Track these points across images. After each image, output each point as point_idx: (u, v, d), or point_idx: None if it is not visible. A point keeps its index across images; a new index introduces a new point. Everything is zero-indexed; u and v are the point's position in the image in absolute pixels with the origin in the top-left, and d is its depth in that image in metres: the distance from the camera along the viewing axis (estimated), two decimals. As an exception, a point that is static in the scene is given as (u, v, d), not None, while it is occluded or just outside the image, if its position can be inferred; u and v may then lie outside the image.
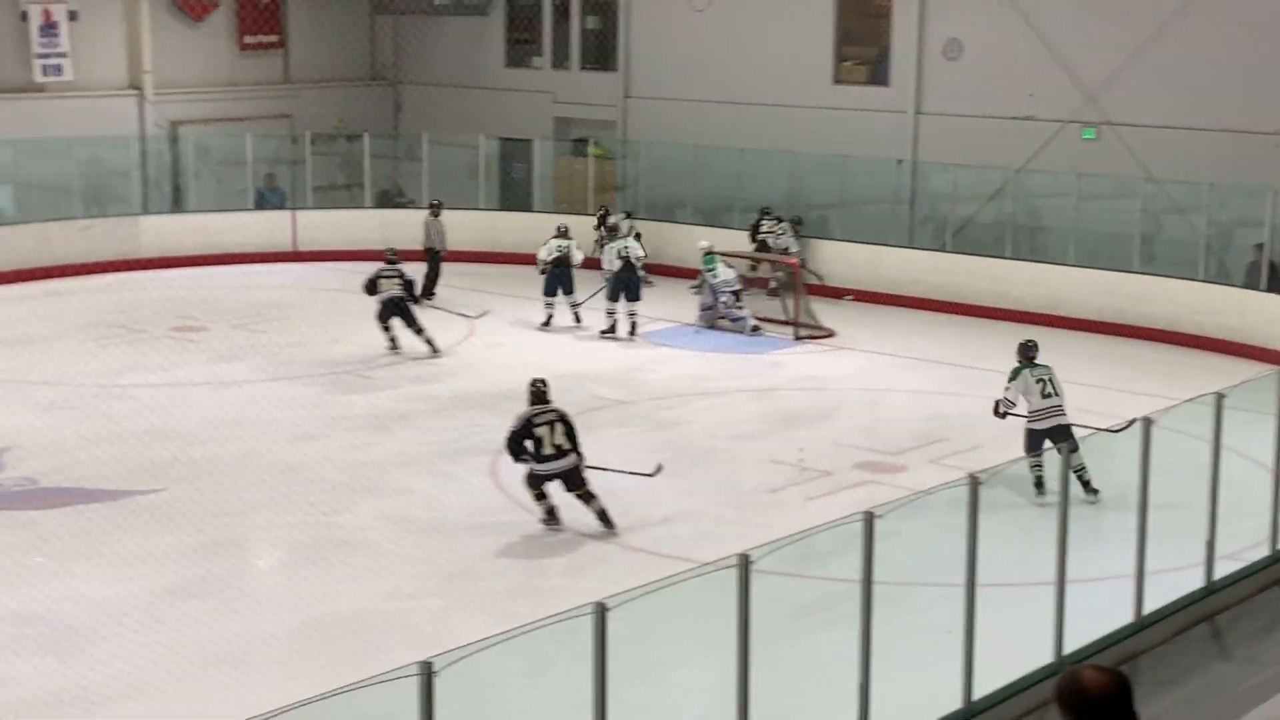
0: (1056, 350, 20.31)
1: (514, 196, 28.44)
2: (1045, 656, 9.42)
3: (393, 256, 19.93)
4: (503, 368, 18.72)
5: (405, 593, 11.81)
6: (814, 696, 9.73)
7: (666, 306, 22.10)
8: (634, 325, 20.74)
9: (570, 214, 24.98)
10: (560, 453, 12.89)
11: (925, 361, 19.61)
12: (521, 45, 29.78)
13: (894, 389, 18.44)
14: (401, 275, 19.45)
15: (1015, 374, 14.18)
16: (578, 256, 21.38)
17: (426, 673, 6.41)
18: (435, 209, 23.81)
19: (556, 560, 12.63)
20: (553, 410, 13.06)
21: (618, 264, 20.77)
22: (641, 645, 8.56)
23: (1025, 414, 14.03)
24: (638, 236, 22.12)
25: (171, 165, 27.53)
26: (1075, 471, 12.81)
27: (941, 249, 23.65)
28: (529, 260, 25.25)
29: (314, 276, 24.93)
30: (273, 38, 29.36)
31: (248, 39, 28.97)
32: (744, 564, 7.74)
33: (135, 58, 27.25)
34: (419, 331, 19.38)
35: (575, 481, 13.02)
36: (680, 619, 9.53)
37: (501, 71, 29.79)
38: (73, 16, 25.99)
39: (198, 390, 17.53)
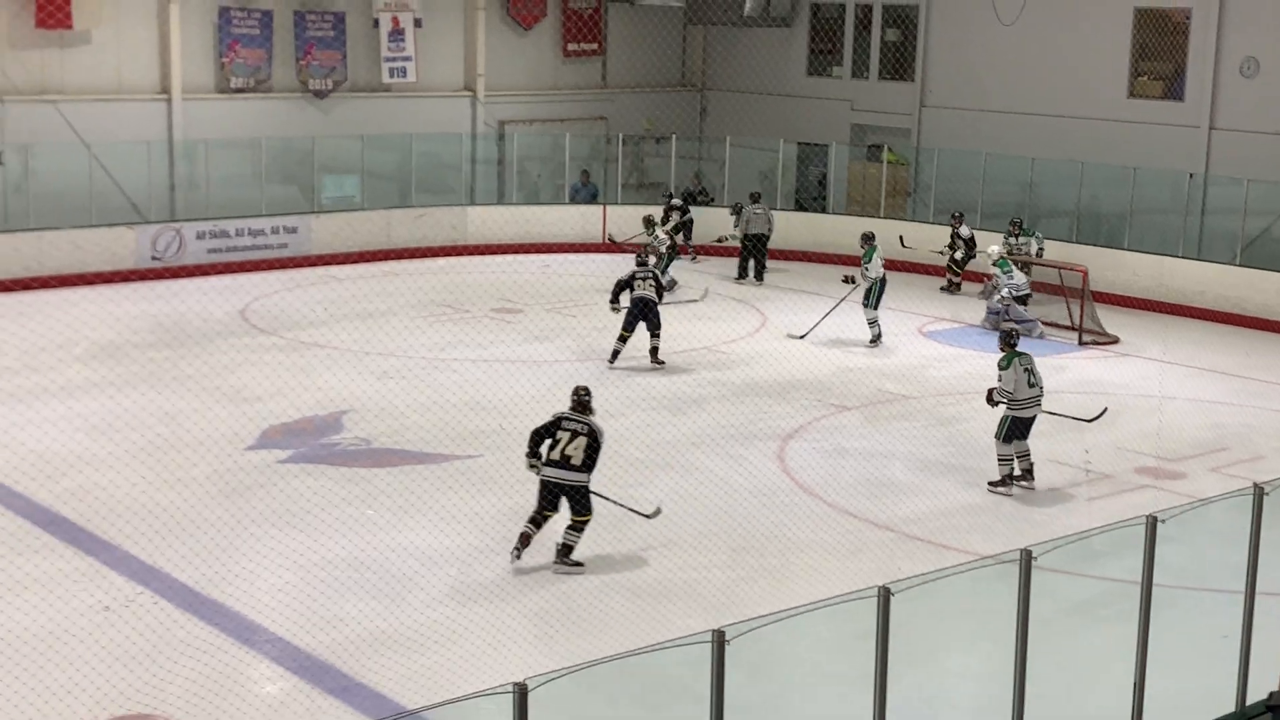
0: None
1: (809, 198, 28.40)
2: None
3: (644, 258, 18.94)
4: (792, 359, 18.67)
5: (695, 564, 11.88)
6: (1088, 690, 9.43)
7: (952, 308, 21.67)
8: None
9: (864, 217, 24.74)
10: (565, 463, 11.58)
11: (1208, 371, 18.78)
12: (823, 55, 29.68)
13: (1176, 397, 17.68)
14: (655, 278, 18.55)
15: (1008, 362, 13.88)
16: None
17: (719, 640, 6.43)
18: (755, 197, 24.64)
19: (838, 542, 12.52)
20: (585, 423, 11.68)
21: (880, 272, 19.81)
22: (920, 630, 8.40)
23: (1008, 402, 13.82)
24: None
25: (497, 161, 28.37)
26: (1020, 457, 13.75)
27: (1230, 262, 22.54)
28: (821, 259, 25.23)
29: (621, 266, 25.24)
30: (593, 45, 29.95)
31: (570, 46, 29.62)
32: (1026, 558, 7.54)
33: (470, 62, 28.18)
34: (656, 335, 18.28)
35: (580, 506, 11.68)
36: (958, 607, 9.34)
37: (802, 79, 29.73)
38: (418, 24, 27.02)
39: (513, 366, 18.01)
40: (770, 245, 24.91)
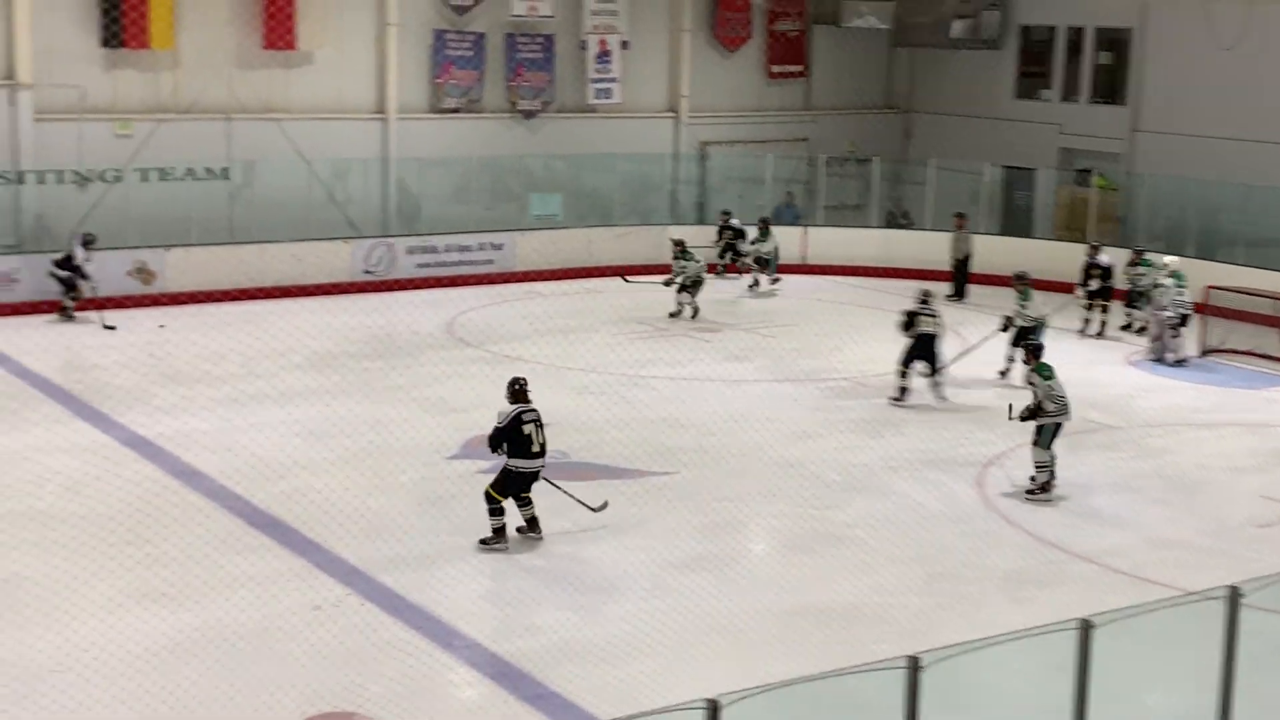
0: None
1: (1015, 222, 27.87)
2: None
3: (926, 296, 18.22)
4: (995, 386, 18.32)
5: (890, 589, 11.75)
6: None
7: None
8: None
9: (1069, 241, 24.20)
10: (544, 452, 12.41)
11: None
12: (1031, 78, 29.15)
13: (1400, 435, 16.84)
14: (938, 316, 17.91)
15: (1050, 372, 14.07)
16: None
17: (913, 667, 6.38)
18: (960, 219, 24.55)
19: (1038, 572, 12.25)
20: (535, 409, 12.42)
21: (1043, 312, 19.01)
22: (1121, 665, 8.18)
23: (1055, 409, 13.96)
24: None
25: (699, 181, 28.53)
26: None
27: None
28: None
29: (820, 288, 25.25)
30: (797, 68, 29.92)
31: (775, 69, 29.65)
32: (1233, 596, 7.30)
33: (674, 84, 28.42)
34: (937, 372, 17.80)
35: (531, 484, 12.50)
36: (1161, 644, 9.06)
37: (1010, 103, 29.23)
38: (625, 46, 27.37)
39: (709, 385, 18.07)
40: (973, 269, 24.64)
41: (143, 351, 18.39)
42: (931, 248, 25.22)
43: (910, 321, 17.77)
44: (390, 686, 9.63)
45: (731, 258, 25.07)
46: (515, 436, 12.25)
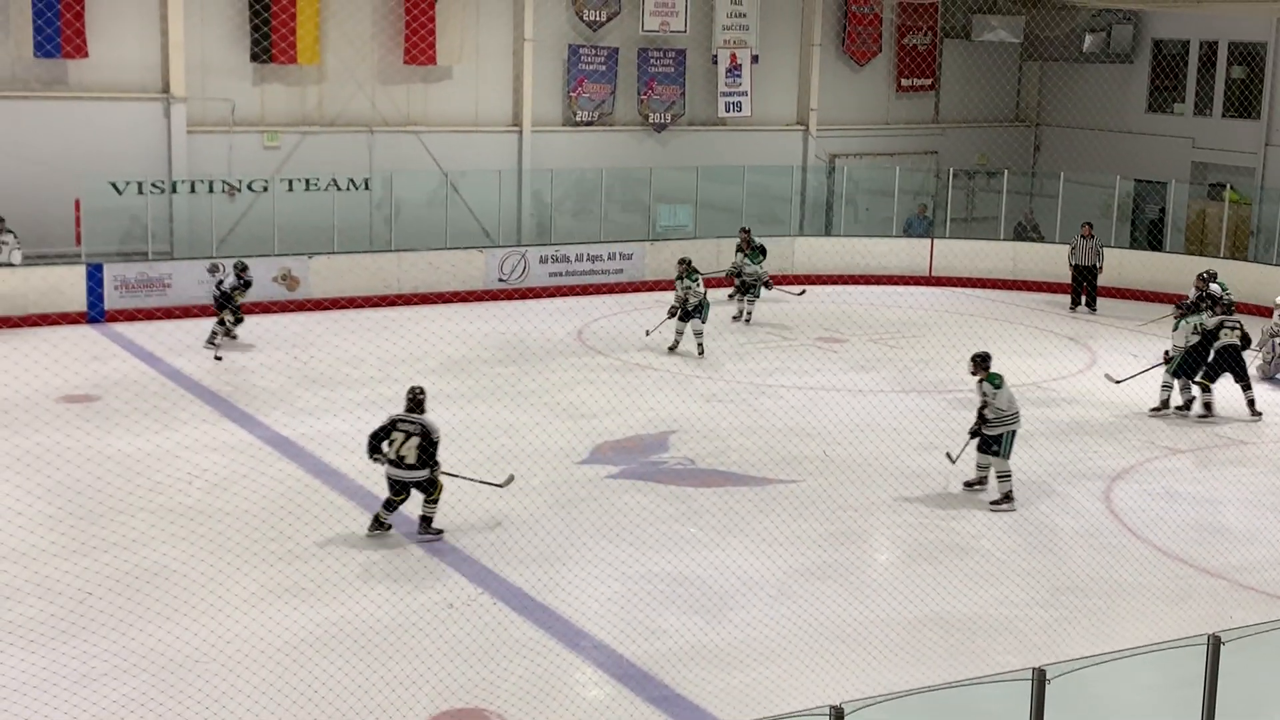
0: None
1: (1145, 236, 27.34)
2: None
3: (1230, 300, 17.96)
4: (1122, 399, 17.95)
5: (1014, 601, 11.57)
6: None
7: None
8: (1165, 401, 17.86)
9: (1201, 255, 23.65)
10: (401, 463, 12.27)
11: None
12: (1164, 92, 28.56)
13: None
14: (1241, 326, 17.38)
15: (1000, 381, 13.83)
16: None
17: (1039, 679, 6.28)
18: (1087, 228, 24.16)
19: (1166, 587, 11.97)
20: (417, 423, 12.32)
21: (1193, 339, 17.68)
22: (1251, 682, 7.96)
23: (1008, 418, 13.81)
24: None
25: (827, 193, 28.39)
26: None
27: None
28: (1155, 297, 24.22)
29: (946, 300, 24.95)
30: (926, 81, 29.65)
31: (904, 82, 29.41)
32: (1371, 616, 7.06)
33: (804, 97, 28.32)
34: (1247, 388, 17.33)
35: (427, 490, 12.48)
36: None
37: (1141, 116, 28.66)
38: (755, 60, 27.34)
39: (835, 395, 17.96)
40: (1104, 283, 24.23)
41: (287, 355, 18.80)
42: (1060, 261, 24.81)
43: (1213, 335, 17.33)
44: (518, 685, 9.72)
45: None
46: (388, 442, 12.40)
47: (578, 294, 24.19)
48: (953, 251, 26.44)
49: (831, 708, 5.97)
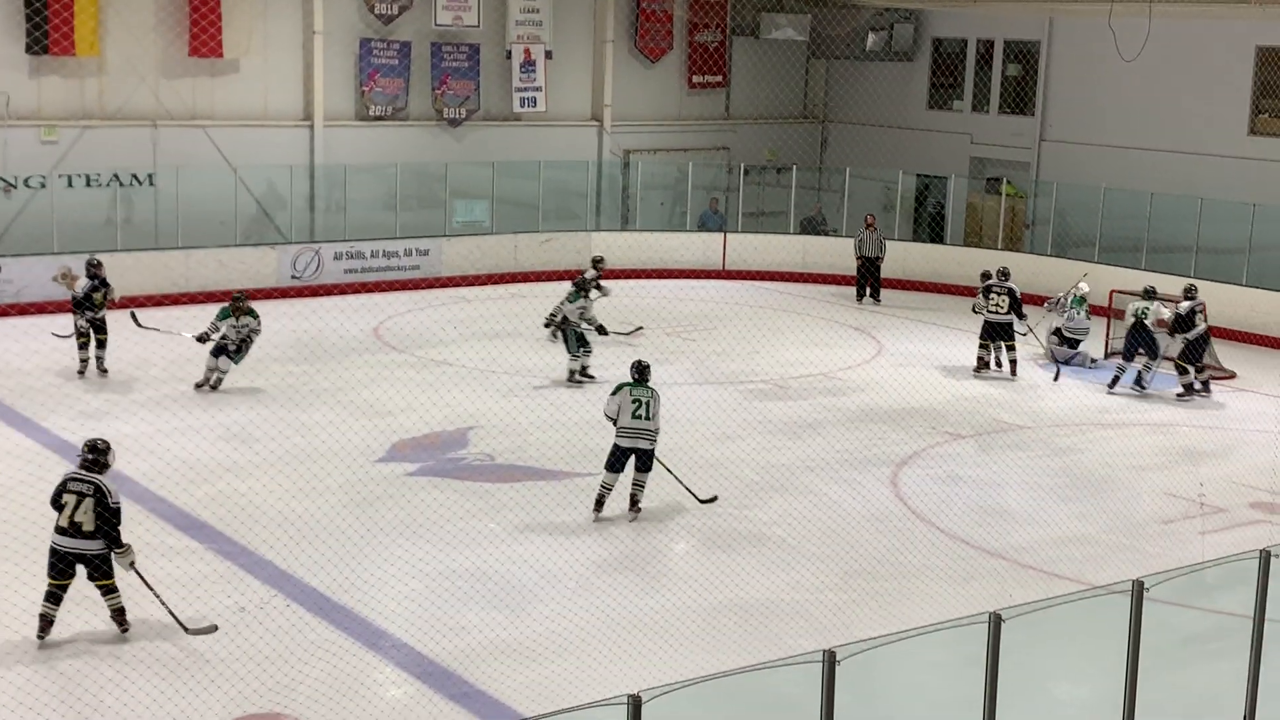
0: None
1: (927, 229, 28.25)
2: None
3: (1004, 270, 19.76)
4: (907, 387, 18.50)
5: (807, 585, 11.82)
6: (1197, 724, 9.22)
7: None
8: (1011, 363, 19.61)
9: (979, 247, 24.53)
10: (75, 530, 9.97)
11: (1328, 409, 18.23)
12: (943, 89, 29.51)
13: (1294, 434, 17.21)
14: (1012, 293, 19.24)
15: (617, 389, 13.40)
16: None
17: (830, 660, 6.41)
18: (871, 221, 24.90)
19: (951, 568, 12.37)
20: (89, 481, 10.10)
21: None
22: (1031, 658, 8.29)
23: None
24: None
25: (622, 188, 28.56)
26: None
27: (1350, 300, 21.95)
28: (938, 288, 25.05)
29: (740, 293, 25.36)
30: (717, 78, 30.05)
31: (695, 79, 29.75)
32: (1138, 589, 7.42)
33: (598, 93, 28.43)
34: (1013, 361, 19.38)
35: (94, 571, 10.10)
36: (1069, 637, 9.19)
37: (923, 113, 29.57)
38: (549, 55, 27.34)
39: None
40: (888, 274, 24.98)
41: (67, 355, 18.08)
42: (847, 253, 25.46)
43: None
44: (317, 687, 9.53)
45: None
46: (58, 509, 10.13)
47: (374, 290, 23.85)
48: (745, 245, 26.88)
49: (630, 697, 6.00)
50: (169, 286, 21.89)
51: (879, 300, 24.71)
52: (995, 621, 6.90)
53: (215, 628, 10.32)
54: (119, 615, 10.22)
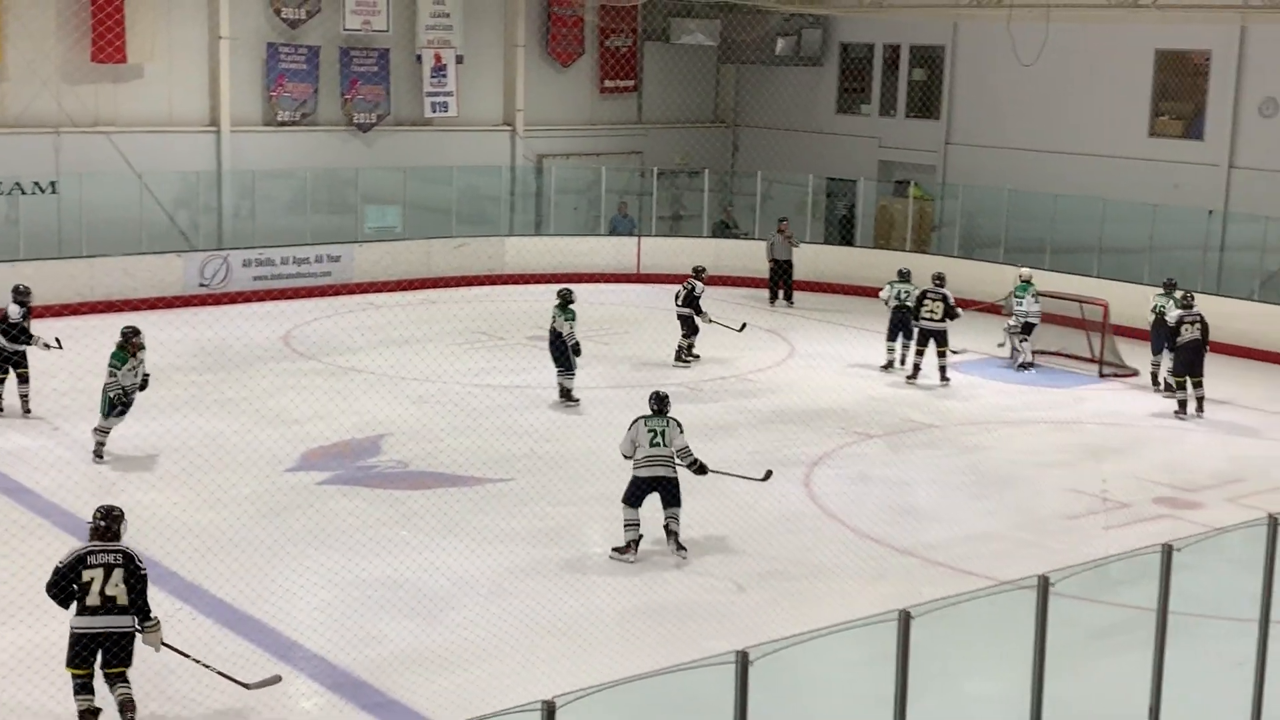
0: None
1: (837, 232, 28.49)
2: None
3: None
4: (819, 388, 18.64)
5: (722, 587, 11.86)
6: (1104, 716, 9.35)
7: (976, 340, 21.57)
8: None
9: (888, 249, 24.78)
10: (108, 606, 8.91)
11: (1227, 404, 18.62)
12: (852, 93, 29.78)
13: (1195, 429, 17.56)
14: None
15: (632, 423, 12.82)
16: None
17: (743, 661, 6.42)
18: (783, 225, 25.04)
19: (862, 567, 12.48)
20: (117, 551, 9.01)
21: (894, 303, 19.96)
22: (941, 653, 8.36)
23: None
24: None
25: (535, 193, 28.49)
26: None
27: (1249, 298, 22.41)
28: (849, 290, 25.26)
29: (654, 297, 25.37)
30: (629, 83, 30.08)
31: (607, 83, 29.76)
32: (1043, 585, 7.51)
33: (510, 98, 28.33)
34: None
35: (117, 654, 8.97)
36: (977, 632, 9.29)
37: (832, 117, 29.81)
38: (460, 60, 27.20)
39: (546, 393, 18.02)
40: (800, 277, 25.16)
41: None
42: (760, 256, 25.60)
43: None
44: (228, 701, 9.38)
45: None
46: (78, 586, 8.93)
47: (284, 298, 23.58)
48: (659, 249, 26.93)
49: (544, 703, 5.96)
50: (73, 296, 21.50)
51: (791, 302, 24.89)
52: (905, 619, 6.96)
53: (279, 678, 9.49)
54: (128, 706, 8.96)
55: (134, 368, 14.76)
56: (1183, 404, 18.02)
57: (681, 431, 12.74)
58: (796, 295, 25.08)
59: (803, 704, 9.06)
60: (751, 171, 28.56)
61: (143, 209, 23.27)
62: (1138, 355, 20.74)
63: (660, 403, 12.92)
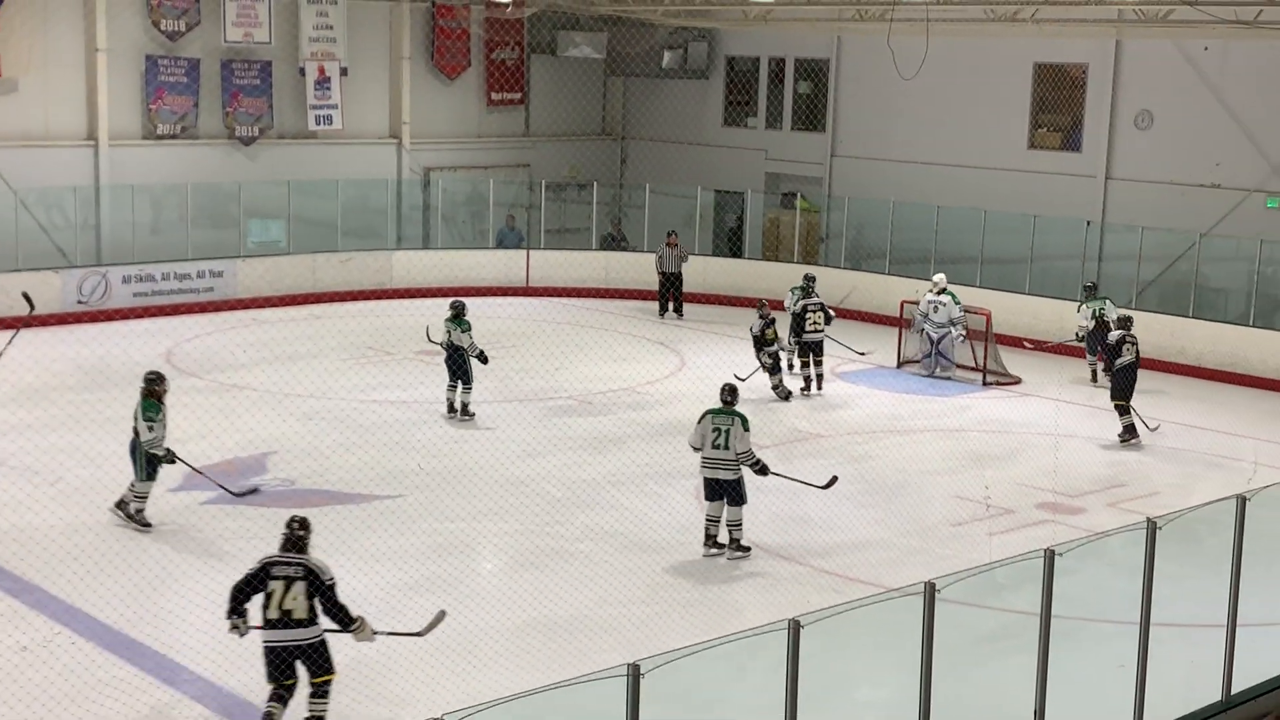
0: (1235, 406, 19.63)
1: (726, 244, 28.70)
2: (1214, 695, 9.06)
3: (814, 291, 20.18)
4: (709, 400, 18.67)
5: (614, 600, 11.85)
6: (990, 718, 9.51)
7: (884, 350, 21.81)
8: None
9: (776, 261, 24.99)
10: (287, 620, 9.02)
11: (1106, 410, 19.02)
12: (738, 107, 30.03)
13: (1075, 435, 17.95)
14: (824, 308, 19.79)
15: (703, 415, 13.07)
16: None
17: (634, 674, 6.43)
18: (671, 238, 25.23)
19: (753, 578, 12.55)
20: (299, 564, 9.11)
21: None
22: (830, 661, 8.45)
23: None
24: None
25: (423, 206, 28.32)
26: None
27: (1126, 306, 22.92)
28: (736, 301, 25.42)
29: (543, 310, 25.37)
30: (516, 95, 30.03)
31: (494, 96, 29.69)
32: (930, 591, 7.61)
33: (395, 110, 28.14)
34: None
35: (318, 666, 9.12)
36: (866, 639, 9.40)
37: (719, 130, 30.04)
38: (344, 72, 26.96)
39: (436, 407, 17.91)
40: (689, 289, 25.28)
41: None
42: (649, 269, 25.69)
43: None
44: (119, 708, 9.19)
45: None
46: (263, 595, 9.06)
47: (165, 314, 23.15)
48: (548, 262, 26.92)
49: (433, 721, 5.93)
50: (-55, 314, 20.88)
51: (681, 315, 25.00)
52: (795, 628, 7.01)
53: (444, 614, 9.69)
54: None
55: (164, 419, 13.40)
56: (1130, 428, 17.53)
57: (746, 430, 12.83)
58: (686, 307, 25.20)
59: (695, 716, 9.09)
60: (640, 184, 28.67)
61: (18, 225, 22.70)
62: (1019, 363, 21.15)
63: (731, 394, 13.22)
